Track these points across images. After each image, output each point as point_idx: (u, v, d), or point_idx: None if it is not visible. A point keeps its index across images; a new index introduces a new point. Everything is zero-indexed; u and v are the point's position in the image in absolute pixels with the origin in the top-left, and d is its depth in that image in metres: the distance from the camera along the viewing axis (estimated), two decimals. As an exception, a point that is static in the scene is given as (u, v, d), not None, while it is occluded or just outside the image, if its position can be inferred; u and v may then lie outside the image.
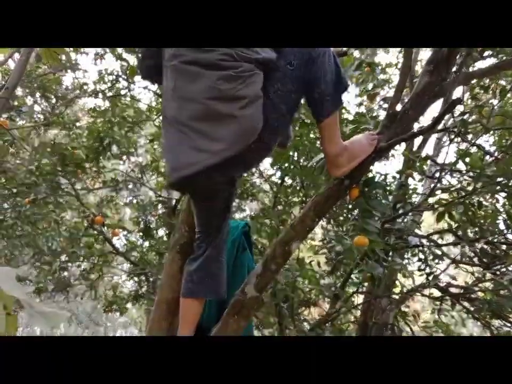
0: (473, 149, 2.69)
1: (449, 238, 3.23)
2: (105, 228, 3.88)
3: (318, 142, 2.96)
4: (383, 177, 3.00)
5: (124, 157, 4.73)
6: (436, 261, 2.61)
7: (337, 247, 2.12)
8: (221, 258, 1.49)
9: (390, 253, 2.77)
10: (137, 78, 4.74)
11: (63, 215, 5.04)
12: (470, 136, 2.86)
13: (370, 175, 1.96)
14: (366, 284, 2.97)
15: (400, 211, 2.51)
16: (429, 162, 3.04)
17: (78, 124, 4.26)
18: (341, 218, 3.39)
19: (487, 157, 2.34)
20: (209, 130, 1.11)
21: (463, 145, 3.10)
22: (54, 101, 4.85)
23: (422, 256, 2.88)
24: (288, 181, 4.17)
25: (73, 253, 4.69)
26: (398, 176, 2.49)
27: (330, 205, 1.50)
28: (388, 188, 2.77)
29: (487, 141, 4.00)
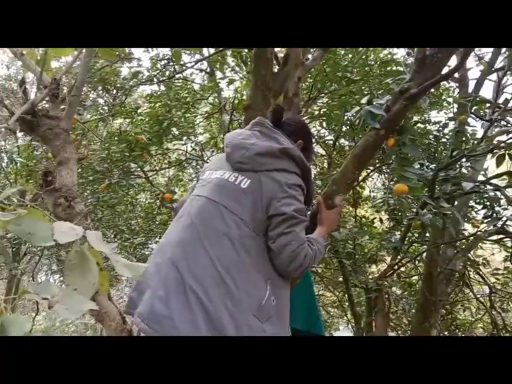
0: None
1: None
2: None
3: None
4: (438, 125, 2.89)
5: (184, 138, 4.97)
6: (502, 205, 2.51)
7: (389, 200, 2.14)
8: None
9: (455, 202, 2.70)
10: (185, 59, 4.91)
11: (137, 197, 5.46)
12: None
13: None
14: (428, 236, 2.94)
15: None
16: (488, 106, 2.87)
17: (139, 111, 4.52)
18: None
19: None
20: None
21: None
22: (114, 92, 5.18)
23: (487, 203, 2.78)
24: (343, 141, 4.15)
25: (151, 230, 5.10)
26: (448, 122, 2.40)
27: (368, 156, 1.54)
28: (442, 136, 2.69)
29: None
